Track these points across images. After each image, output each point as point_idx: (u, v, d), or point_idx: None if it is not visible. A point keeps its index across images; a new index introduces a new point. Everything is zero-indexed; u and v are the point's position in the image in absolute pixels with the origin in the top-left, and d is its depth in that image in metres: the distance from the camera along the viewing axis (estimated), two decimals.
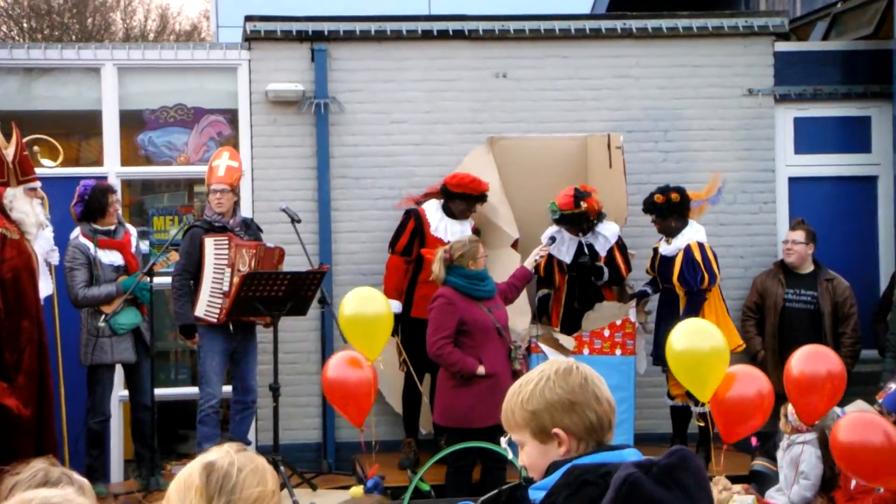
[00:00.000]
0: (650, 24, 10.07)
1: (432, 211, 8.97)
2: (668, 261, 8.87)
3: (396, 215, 9.26)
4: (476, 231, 8.94)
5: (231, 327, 8.39)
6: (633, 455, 2.75)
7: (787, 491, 7.61)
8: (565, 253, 8.91)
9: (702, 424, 7.74)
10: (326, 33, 9.80)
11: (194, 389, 8.95)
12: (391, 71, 9.88)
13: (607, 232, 8.99)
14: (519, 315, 8.71)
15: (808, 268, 9.34)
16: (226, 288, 8.29)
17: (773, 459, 7.99)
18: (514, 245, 9.17)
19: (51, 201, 8.38)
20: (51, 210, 8.32)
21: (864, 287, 9.78)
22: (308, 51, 9.78)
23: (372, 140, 9.80)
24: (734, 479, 7.82)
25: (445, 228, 8.85)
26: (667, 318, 8.83)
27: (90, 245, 8.42)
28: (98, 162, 9.77)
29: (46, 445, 7.51)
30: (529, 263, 8.48)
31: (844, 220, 10.26)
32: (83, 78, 9.85)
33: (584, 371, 2.90)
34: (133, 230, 8.79)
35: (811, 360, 6.97)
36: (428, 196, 9.25)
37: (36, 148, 9.03)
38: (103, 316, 8.24)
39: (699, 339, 6.88)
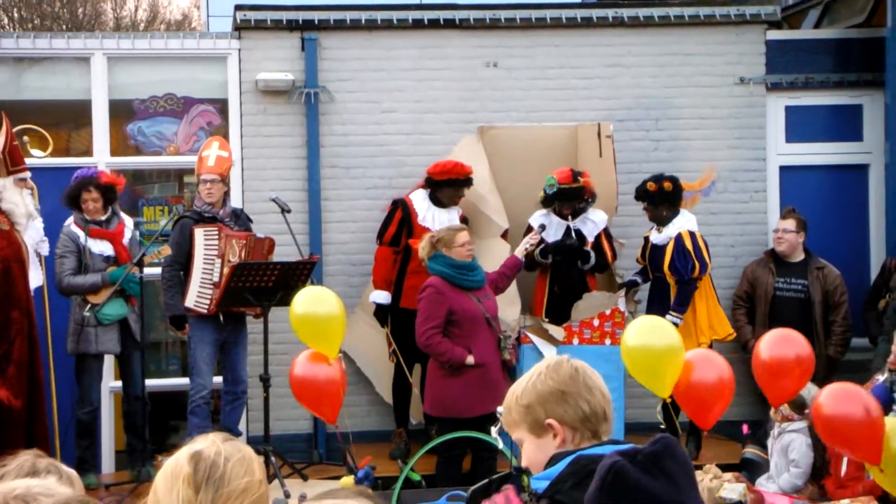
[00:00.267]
0: (641, 12, 10.06)
1: (419, 200, 8.96)
2: (658, 249, 8.88)
3: (386, 205, 9.24)
4: (464, 220, 8.93)
5: (221, 318, 8.37)
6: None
7: (778, 479, 7.62)
8: (552, 236, 8.89)
9: (662, 424, 7.74)
10: (316, 22, 9.77)
11: (185, 380, 8.94)
12: (381, 60, 9.86)
13: (596, 218, 9.01)
14: (509, 305, 8.71)
15: (799, 256, 9.35)
16: (216, 278, 8.27)
17: (764, 447, 8.00)
18: (504, 235, 9.16)
19: (40, 192, 8.36)
20: (41, 200, 8.30)
21: (854, 275, 9.79)
22: (298, 40, 9.76)
23: (362, 129, 9.78)
24: (725, 467, 7.81)
25: (433, 218, 8.84)
26: (657, 307, 8.84)
27: (80, 234, 8.40)
28: (88, 152, 9.73)
29: (37, 437, 7.50)
30: (520, 252, 8.47)
31: (835, 209, 10.27)
32: (73, 68, 9.81)
33: (574, 363, 2.96)
34: (129, 222, 8.73)
35: (779, 345, 6.98)
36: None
37: (26, 138, 9.01)
38: (88, 305, 8.23)
39: (653, 336, 6.82)
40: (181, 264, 8.43)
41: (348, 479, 7.45)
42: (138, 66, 9.90)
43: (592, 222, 9.00)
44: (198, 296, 8.33)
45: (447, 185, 8.84)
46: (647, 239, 9.11)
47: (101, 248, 8.44)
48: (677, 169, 9.51)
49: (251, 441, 9.03)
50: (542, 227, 8.76)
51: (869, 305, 9.38)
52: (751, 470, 8.07)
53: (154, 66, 9.94)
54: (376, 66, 9.84)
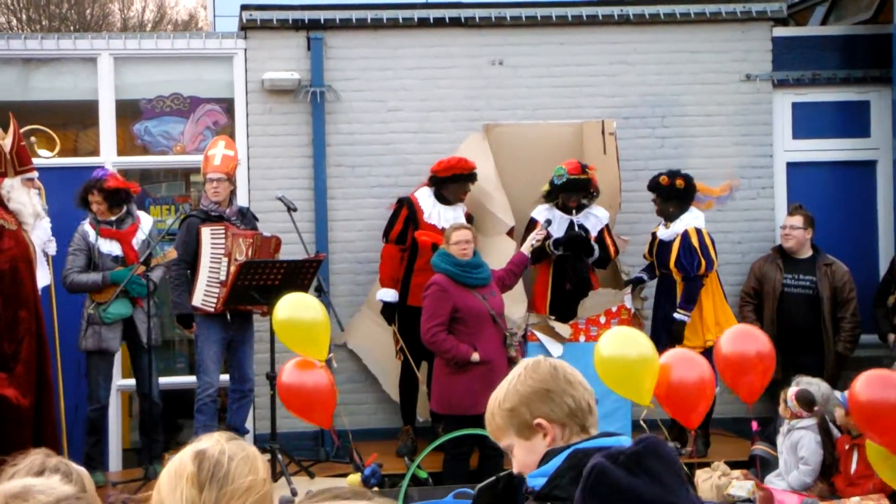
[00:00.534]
0: (647, 10, 10.04)
1: (425, 198, 8.96)
2: (665, 245, 8.86)
3: (391, 204, 9.24)
4: (469, 218, 8.93)
5: (228, 316, 8.38)
6: (627, 441, 2.74)
7: (787, 476, 7.60)
8: (556, 231, 8.88)
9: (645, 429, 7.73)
10: (322, 22, 9.78)
11: (192, 378, 8.95)
12: (387, 59, 9.86)
13: (598, 213, 9.01)
14: (515, 303, 8.71)
15: (807, 253, 9.33)
16: (223, 277, 8.29)
17: (774, 444, 7.97)
18: (510, 232, 9.15)
19: (48, 191, 8.35)
20: (48, 200, 8.30)
21: (863, 272, 9.76)
22: (304, 39, 9.76)
23: (368, 128, 9.78)
24: (734, 465, 7.81)
25: (439, 215, 8.84)
26: (664, 304, 8.84)
27: (91, 233, 8.42)
28: (95, 152, 9.75)
29: (45, 435, 7.51)
30: (526, 248, 8.47)
31: (843, 205, 10.25)
32: (80, 68, 9.83)
33: (552, 361, 2.95)
34: (147, 222, 8.66)
35: (739, 341, 6.97)
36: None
37: (33, 138, 9.01)
38: (94, 304, 8.25)
39: (626, 346, 6.79)
40: (188, 263, 8.45)
41: (355, 477, 7.45)
42: (145, 66, 9.92)
43: (595, 217, 9.00)
44: (205, 294, 8.34)
45: (452, 181, 8.84)
46: (654, 234, 9.09)
47: (110, 247, 8.45)
48: (683, 166, 9.49)
49: (258, 439, 9.05)
50: (548, 222, 8.75)
51: (878, 302, 9.36)
52: (760, 467, 8.05)
53: (160, 65, 9.96)
54: (382, 64, 9.85)
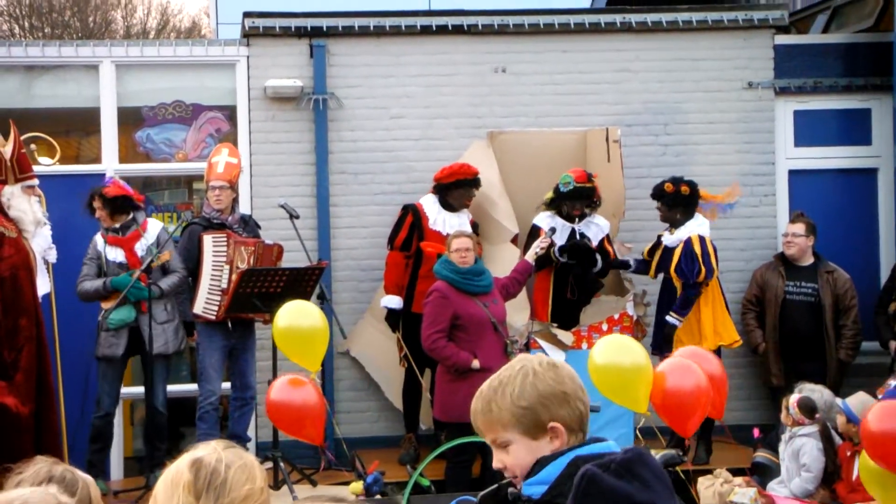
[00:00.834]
0: (650, 17, 10.04)
1: (430, 205, 8.96)
2: (669, 252, 8.85)
3: (395, 211, 9.24)
4: (474, 225, 8.92)
5: (229, 324, 8.38)
6: (617, 447, 2.75)
7: (789, 483, 7.59)
8: (558, 239, 8.87)
9: (640, 438, 7.73)
10: (325, 29, 9.78)
11: (195, 387, 8.93)
12: (390, 66, 9.86)
13: (600, 222, 9.01)
14: (518, 311, 8.70)
15: (809, 260, 9.32)
16: (224, 285, 8.28)
17: (776, 451, 7.96)
18: (514, 240, 9.15)
19: (48, 199, 8.35)
20: (48, 208, 8.30)
21: (864, 279, 9.76)
22: (307, 46, 9.76)
23: (371, 135, 9.78)
24: (735, 472, 7.80)
25: (444, 222, 8.84)
26: (667, 310, 8.81)
27: (100, 241, 8.43)
28: (97, 159, 9.76)
29: (46, 443, 7.49)
30: (530, 256, 8.46)
31: (845, 213, 10.24)
32: (82, 75, 9.84)
33: (565, 364, 2.89)
34: (153, 229, 8.55)
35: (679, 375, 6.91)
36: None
37: (33, 146, 9.02)
38: (102, 311, 8.25)
39: (620, 354, 6.78)
40: (190, 271, 8.44)
41: (357, 485, 7.45)
42: (147, 73, 9.93)
43: (597, 226, 8.99)
44: (206, 302, 8.34)
45: (455, 186, 8.84)
46: (660, 237, 9.07)
47: (115, 254, 8.44)
48: (686, 173, 9.48)
49: (260, 447, 9.04)
50: (553, 230, 8.74)
51: (879, 309, 9.35)
52: (762, 474, 8.04)
53: (163, 73, 9.97)
54: (385, 72, 9.85)
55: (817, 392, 7.73)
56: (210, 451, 2.55)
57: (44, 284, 7.91)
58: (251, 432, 9.10)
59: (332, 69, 9.76)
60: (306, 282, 8.25)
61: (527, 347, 8.44)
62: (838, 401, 7.54)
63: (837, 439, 7.53)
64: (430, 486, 7.23)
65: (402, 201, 9.31)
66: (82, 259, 8.44)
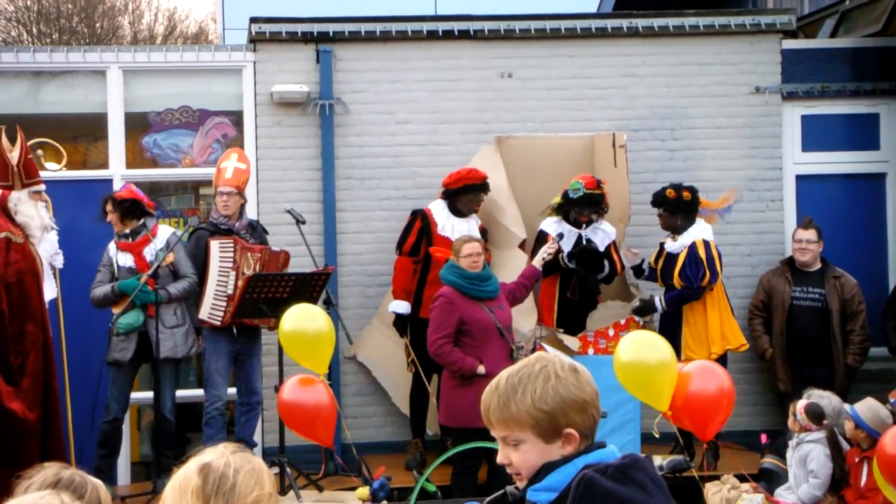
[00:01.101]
0: (656, 22, 10.03)
1: (439, 210, 8.95)
2: (672, 258, 8.84)
3: (402, 216, 9.24)
4: (483, 231, 8.91)
5: (234, 330, 8.37)
6: (620, 454, 2.77)
7: (797, 490, 7.57)
8: (565, 244, 8.85)
9: (657, 436, 7.71)
10: (331, 34, 9.78)
11: (200, 392, 8.93)
12: (396, 71, 9.86)
13: (606, 228, 9.00)
14: (524, 316, 8.68)
15: (816, 265, 9.29)
16: (230, 291, 8.28)
17: (783, 457, 7.94)
18: (521, 245, 9.14)
19: (55, 204, 8.36)
20: (56, 213, 8.31)
21: (872, 284, 9.73)
22: (313, 52, 9.77)
23: (377, 141, 9.78)
24: (743, 478, 7.78)
25: (452, 227, 8.82)
26: (670, 316, 8.78)
27: (112, 247, 8.44)
28: (104, 165, 9.76)
29: (52, 449, 7.49)
30: (538, 261, 8.45)
31: (852, 218, 10.22)
32: (90, 81, 9.85)
33: (585, 370, 2.85)
34: (163, 234, 8.54)
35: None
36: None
37: (40, 151, 9.04)
38: (114, 316, 8.25)
39: (646, 351, 6.79)
40: (196, 276, 8.43)
41: (363, 490, 7.44)
42: (154, 78, 9.93)
43: (603, 232, 8.98)
44: (212, 308, 8.33)
45: (464, 191, 8.83)
46: (662, 245, 9.06)
47: (125, 260, 8.44)
48: (693, 178, 9.49)
49: (267, 452, 9.03)
50: (560, 236, 8.73)
51: (887, 314, 9.32)
52: (769, 480, 8.02)
53: (170, 78, 9.97)
54: (391, 77, 9.85)
55: (826, 398, 7.70)
56: (218, 455, 2.54)
57: (50, 290, 7.92)
58: (257, 437, 9.09)
59: (338, 74, 9.76)
60: (313, 287, 8.24)
61: (533, 353, 8.41)
62: (846, 406, 7.52)
63: (845, 445, 7.50)
64: (437, 491, 7.23)
65: (409, 206, 9.30)
66: (88, 264, 8.45)
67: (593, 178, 8.87)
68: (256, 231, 8.70)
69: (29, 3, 27.54)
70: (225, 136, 9.89)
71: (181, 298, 8.41)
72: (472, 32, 9.92)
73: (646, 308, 8.95)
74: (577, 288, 8.91)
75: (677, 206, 8.86)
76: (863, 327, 9.15)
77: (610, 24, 10.08)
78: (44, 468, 3.15)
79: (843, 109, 10.29)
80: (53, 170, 9.04)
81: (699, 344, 8.69)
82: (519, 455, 2.79)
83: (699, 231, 8.82)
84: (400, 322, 8.96)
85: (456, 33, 9.92)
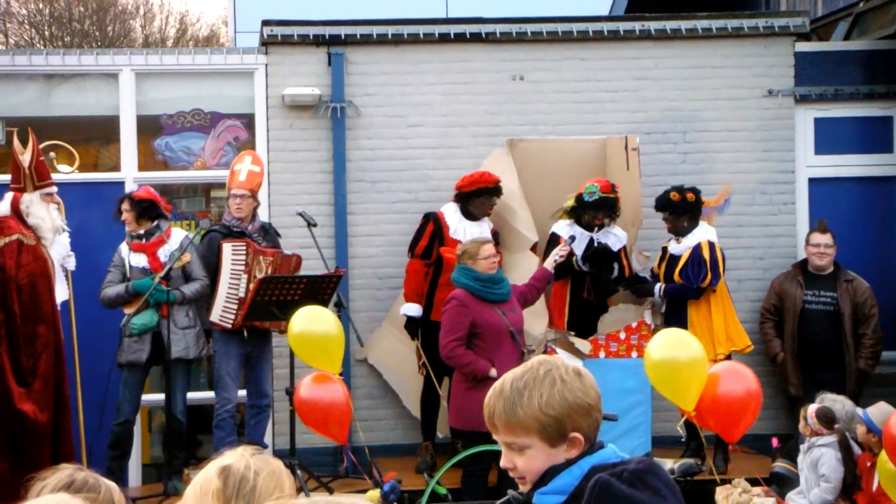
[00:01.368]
0: (669, 25, 10.01)
1: (451, 213, 8.95)
2: (675, 259, 8.84)
3: (413, 219, 9.24)
4: (495, 234, 8.91)
5: (245, 333, 8.37)
6: (624, 455, 2.79)
7: (808, 494, 7.55)
8: (577, 247, 8.85)
9: (683, 437, 7.69)
10: (343, 37, 9.78)
11: (211, 394, 8.94)
12: (408, 74, 9.86)
13: (618, 232, 9.00)
14: (536, 319, 8.67)
15: (828, 269, 9.26)
16: (241, 294, 8.28)
17: (794, 461, 7.92)
18: (533, 248, 9.13)
19: (69, 207, 8.39)
20: (68, 215, 8.33)
21: (884, 288, 9.70)
22: (325, 55, 9.77)
23: (388, 143, 9.78)
24: (754, 482, 7.76)
25: (464, 230, 8.82)
26: (674, 318, 8.76)
27: (124, 248, 8.45)
28: (116, 167, 9.78)
29: (63, 450, 7.52)
30: (549, 264, 8.43)
31: (865, 221, 10.18)
32: (102, 84, 9.87)
33: (588, 373, 2.87)
34: (176, 236, 8.57)
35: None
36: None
37: (52, 154, 9.06)
38: (126, 317, 8.25)
39: (677, 349, 6.79)
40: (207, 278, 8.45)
41: (374, 493, 7.43)
42: (166, 81, 9.95)
43: (615, 236, 8.98)
44: (223, 310, 8.34)
45: (476, 195, 8.82)
46: (665, 249, 9.05)
47: (139, 260, 8.45)
48: (705, 182, 9.47)
49: (277, 454, 9.01)
50: (573, 238, 8.72)
51: None
52: (781, 484, 8.00)
53: (181, 81, 9.98)
54: (402, 80, 9.84)
55: (839, 402, 7.68)
56: (238, 457, 2.55)
57: (62, 292, 7.95)
58: (268, 439, 9.10)
59: (349, 77, 9.76)
60: (324, 289, 8.25)
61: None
62: (859, 411, 7.50)
63: (857, 449, 7.49)
64: (447, 494, 7.22)
65: (420, 209, 9.30)
66: (100, 266, 8.46)
67: (608, 181, 8.87)
68: (269, 234, 8.71)
69: (41, 6, 27.64)
70: (236, 139, 9.91)
71: (193, 300, 8.43)
72: (483, 35, 9.91)
73: (644, 289, 8.99)
74: (592, 288, 8.91)
75: (682, 209, 8.85)
76: (875, 331, 9.12)
77: (622, 26, 10.06)
78: (58, 470, 3.15)
79: (857, 112, 10.25)
80: (66, 172, 9.06)
81: (705, 345, 8.65)
82: (524, 460, 2.79)
83: (704, 233, 8.83)
84: (411, 325, 8.96)
85: (467, 36, 9.91)
